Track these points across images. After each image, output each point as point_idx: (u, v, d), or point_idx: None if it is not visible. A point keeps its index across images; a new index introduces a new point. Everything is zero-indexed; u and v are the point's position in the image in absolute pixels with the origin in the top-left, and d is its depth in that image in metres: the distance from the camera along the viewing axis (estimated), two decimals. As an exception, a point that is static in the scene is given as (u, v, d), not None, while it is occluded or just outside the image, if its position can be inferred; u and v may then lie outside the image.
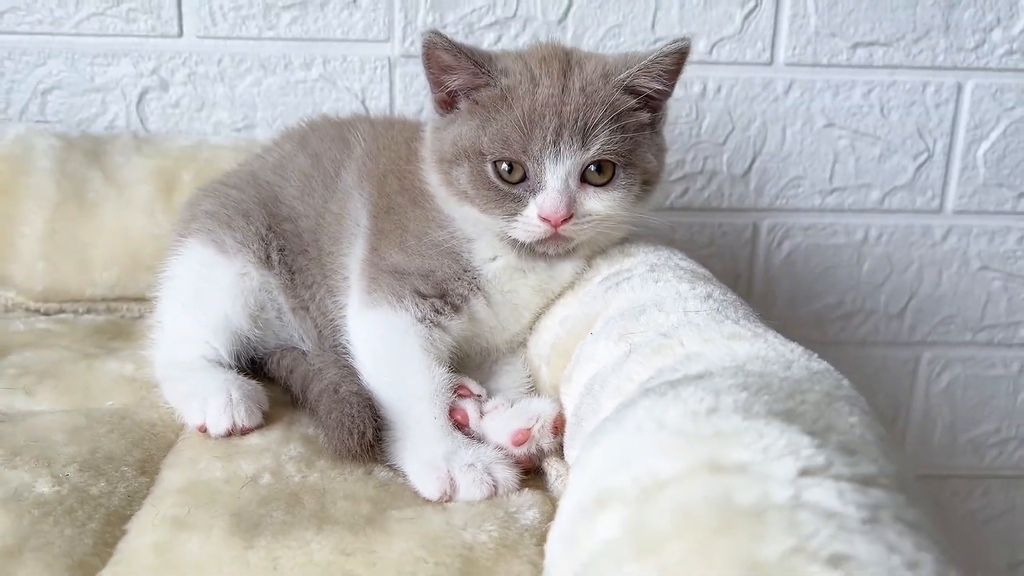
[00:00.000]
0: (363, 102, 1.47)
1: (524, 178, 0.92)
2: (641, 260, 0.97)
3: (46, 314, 1.30)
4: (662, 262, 0.95)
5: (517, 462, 0.86)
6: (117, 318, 1.30)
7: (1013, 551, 1.76)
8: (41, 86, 1.44)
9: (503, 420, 0.88)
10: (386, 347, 0.94)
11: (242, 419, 0.90)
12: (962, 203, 1.58)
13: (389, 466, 0.86)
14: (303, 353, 1.04)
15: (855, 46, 1.49)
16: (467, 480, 0.81)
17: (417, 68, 1.44)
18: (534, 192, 0.91)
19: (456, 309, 0.96)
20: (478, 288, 0.97)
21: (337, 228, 1.03)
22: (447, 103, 0.96)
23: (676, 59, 0.94)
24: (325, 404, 0.90)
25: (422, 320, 0.94)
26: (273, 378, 1.04)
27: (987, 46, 1.51)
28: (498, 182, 0.92)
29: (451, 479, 0.81)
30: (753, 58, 1.49)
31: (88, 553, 0.71)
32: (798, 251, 1.58)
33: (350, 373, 0.94)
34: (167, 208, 1.30)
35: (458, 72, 0.92)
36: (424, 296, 0.95)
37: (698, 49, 1.47)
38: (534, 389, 0.99)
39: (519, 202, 0.92)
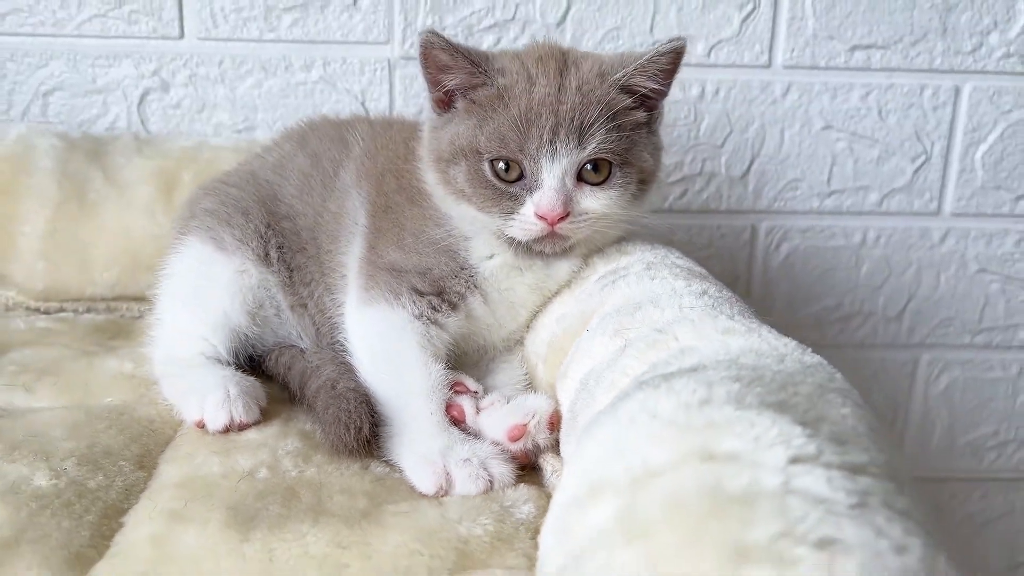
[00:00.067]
0: (363, 104, 1.48)
1: (521, 177, 0.92)
2: (638, 258, 0.97)
3: (46, 313, 1.30)
4: (659, 260, 0.96)
5: (513, 458, 0.86)
6: (117, 317, 1.30)
7: (1012, 554, 1.76)
8: (43, 87, 1.45)
9: (499, 416, 0.89)
10: (383, 344, 0.94)
11: (240, 415, 0.91)
12: (960, 205, 1.59)
13: (385, 461, 0.87)
14: (301, 350, 1.04)
15: (853, 49, 1.50)
16: (463, 475, 0.81)
17: (417, 70, 1.43)
18: (531, 191, 0.92)
19: (453, 307, 0.97)
20: (475, 286, 0.97)
21: (335, 226, 1.04)
22: (444, 103, 0.97)
23: (672, 58, 0.94)
24: (322, 400, 0.91)
25: (419, 317, 0.95)
26: (271, 375, 1.04)
27: (984, 49, 1.51)
28: (495, 181, 0.93)
29: (447, 474, 0.81)
30: (751, 60, 1.50)
31: (85, 545, 0.71)
32: (796, 253, 1.59)
33: (348, 370, 0.95)
34: (167, 209, 1.30)
35: (455, 72, 0.93)
36: (421, 293, 0.95)
37: (696, 51, 1.48)
38: (531, 386, 0.99)
39: (516, 201, 0.92)
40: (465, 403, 0.91)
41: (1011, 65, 1.52)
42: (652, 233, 1.05)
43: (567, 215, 0.91)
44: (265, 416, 0.95)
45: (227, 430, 0.91)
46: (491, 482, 0.82)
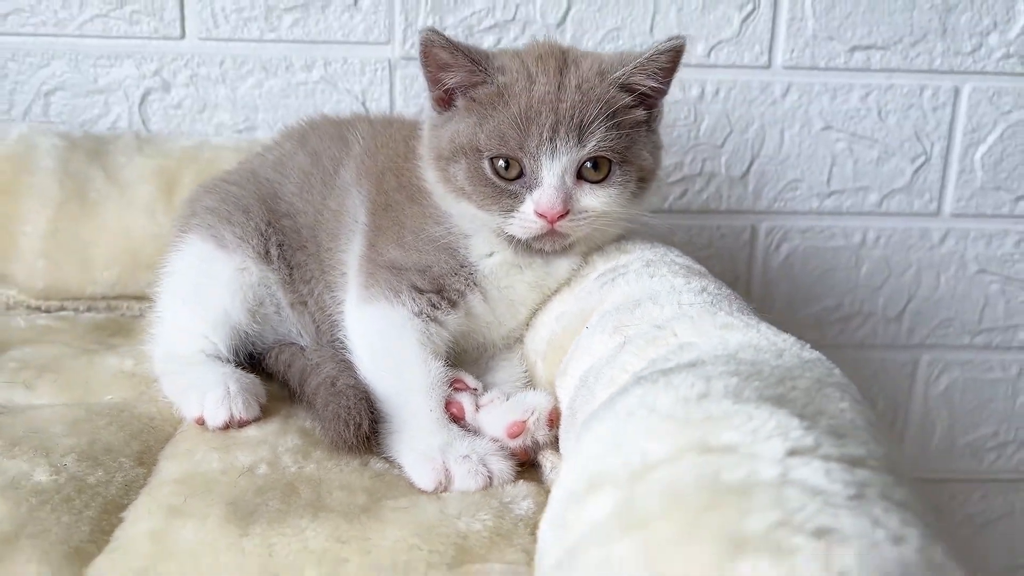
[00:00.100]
0: (364, 104, 1.48)
1: (521, 175, 0.93)
2: (637, 256, 0.97)
3: (47, 311, 1.31)
4: (658, 258, 0.96)
5: (512, 454, 0.86)
6: (117, 316, 1.31)
7: (1012, 555, 1.76)
8: (44, 87, 1.46)
9: (499, 413, 0.89)
10: (383, 341, 0.94)
11: (240, 411, 0.91)
12: (960, 206, 1.59)
13: (385, 458, 0.87)
14: (301, 348, 1.04)
15: (853, 49, 1.50)
16: (462, 471, 0.81)
17: (417, 70, 1.45)
18: (531, 188, 0.92)
19: (453, 304, 0.97)
20: (474, 283, 0.98)
21: (335, 224, 1.04)
22: (444, 101, 0.97)
23: (671, 57, 0.94)
24: (322, 397, 0.91)
25: (419, 315, 0.95)
26: (271, 373, 1.04)
27: (984, 50, 1.52)
28: (495, 179, 0.93)
29: (446, 470, 0.81)
30: (751, 61, 1.50)
31: (84, 540, 0.72)
32: (796, 253, 1.59)
33: (347, 367, 0.95)
34: (168, 208, 1.31)
35: (455, 70, 0.93)
36: (421, 291, 0.96)
37: (696, 52, 1.48)
38: (530, 384, 0.99)
39: (516, 198, 0.93)
40: (464, 400, 0.91)
41: (1011, 66, 1.52)
42: (652, 232, 1.05)
43: (567, 213, 0.92)
44: (265, 413, 0.95)
45: (227, 427, 0.91)
46: (490, 478, 0.82)
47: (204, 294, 1.02)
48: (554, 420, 0.88)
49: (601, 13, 1.46)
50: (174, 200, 1.30)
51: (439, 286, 0.96)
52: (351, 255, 1.01)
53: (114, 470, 0.82)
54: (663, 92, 0.98)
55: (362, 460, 0.86)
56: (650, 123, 0.99)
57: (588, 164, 0.92)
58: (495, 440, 0.87)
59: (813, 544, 0.41)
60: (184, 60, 1.46)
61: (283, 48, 1.46)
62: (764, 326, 0.75)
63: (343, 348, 0.97)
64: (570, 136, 0.90)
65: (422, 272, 0.96)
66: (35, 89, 1.46)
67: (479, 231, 0.97)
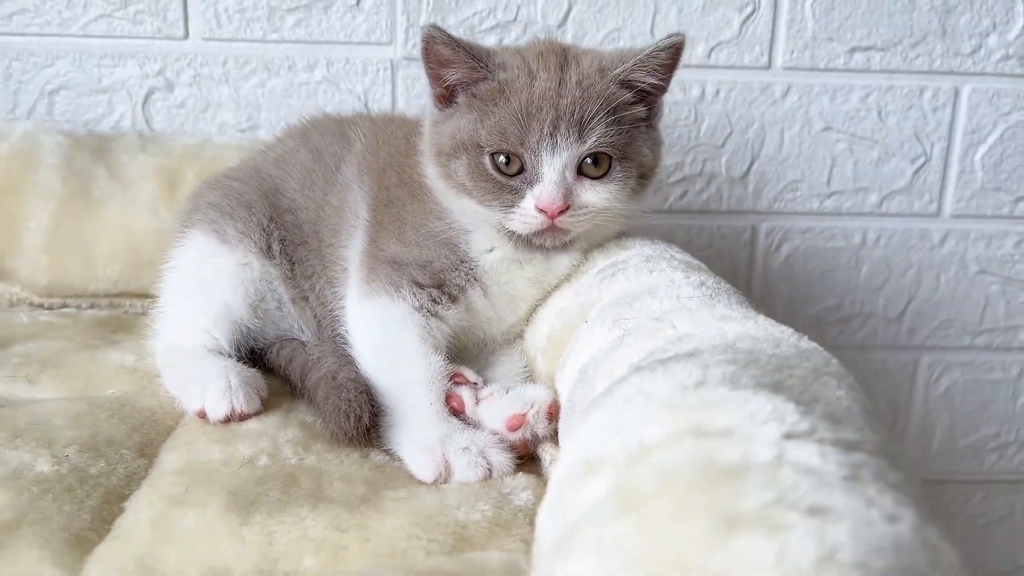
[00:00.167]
0: (366, 104, 1.49)
1: (521, 170, 0.93)
2: (637, 252, 0.98)
3: (50, 308, 1.31)
4: (657, 254, 0.97)
5: (512, 447, 0.86)
6: (120, 313, 1.31)
7: (1014, 556, 1.76)
8: (49, 87, 1.47)
9: (498, 406, 0.89)
10: (384, 336, 0.95)
11: (241, 404, 0.91)
12: (960, 207, 1.59)
13: (385, 451, 0.87)
14: (302, 343, 1.05)
15: (852, 51, 1.51)
16: (462, 463, 0.82)
17: (419, 71, 1.46)
18: (531, 184, 0.93)
19: (453, 299, 0.97)
20: (475, 279, 0.98)
21: (337, 220, 1.05)
22: (446, 98, 0.98)
23: (671, 54, 0.95)
24: (323, 390, 0.91)
25: (419, 309, 0.95)
26: (272, 368, 1.05)
27: (983, 51, 1.52)
28: (496, 174, 0.93)
29: (446, 462, 0.82)
30: (751, 62, 1.50)
31: (86, 528, 0.72)
32: (796, 254, 1.59)
33: (348, 362, 0.95)
34: (171, 206, 1.31)
35: (456, 66, 0.94)
36: (421, 286, 0.96)
37: (696, 53, 1.49)
38: (530, 379, 0.99)
39: (516, 194, 0.93)
40: (464, 394, 0.92)
41: (1010, 67, 1.53)
42: (652, 231, 1.06)
43: (567, 208, 0.92)
44: (266, 407, 0.95)
45: (228, 420, 0.91)
46: (490, 470, 0.82)
47: (206, 289, 1.02)
48: (553, 413, 0.89)
49: (602, 14, 1.47)
50: (177, 198, 1.31)
51: (440, 281, 0.97)
52: (352, 250, 1.02)
53: (116, 461, 0.83)
54: (663, 89, 0.98)
55: (362, 452, 0.86)
56: (650, 120, 1.00)
57: (588, 160, 0.93)
58: (495, 433, 0.87)
59: (807, 521, 0.41)
60: (187, 60, 1.46)
61: (286, 48, 1.47)
62: (762, 318, 0.75)
63: (344, 343, 0.98)
64: (570, 132, 0.91)
65: (423, 267, 0.97)
66: (39, 88, 1.47)
67: (480, 227, 0.98)
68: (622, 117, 0.94)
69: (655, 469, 0.50)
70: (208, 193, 1.09)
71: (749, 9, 1.48)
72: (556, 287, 1.01)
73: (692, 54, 1.49)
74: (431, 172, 0.99)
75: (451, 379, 0.93)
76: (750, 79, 1.51)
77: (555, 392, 0.91)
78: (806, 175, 1.56)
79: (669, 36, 0.94)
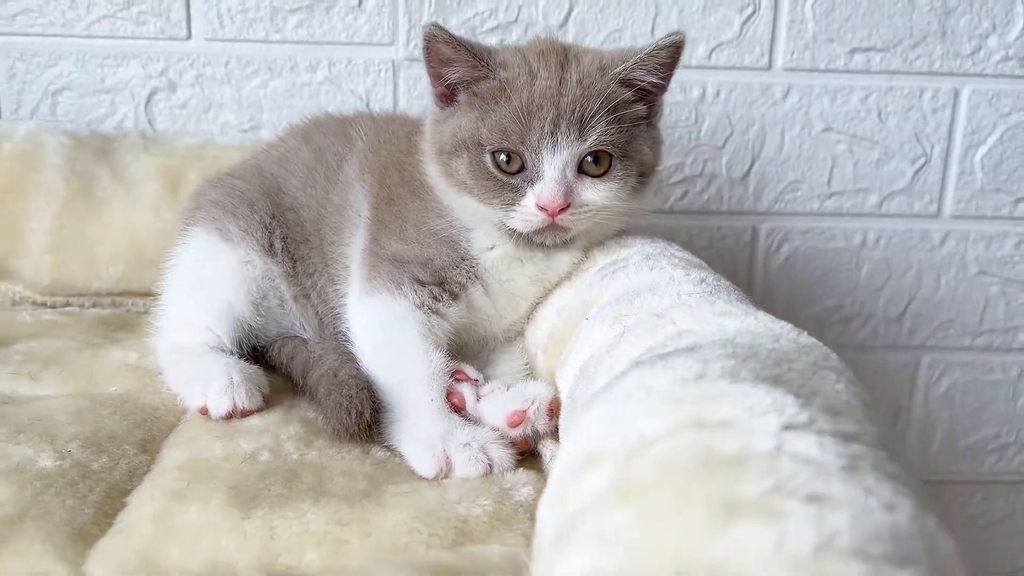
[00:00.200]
0: (367, 105, 1.50)
1: (522, 168, 0.93)
2: (637, 250, 0.98)
3: (52, 307, 1.32)
4: (658, 252, 0.97)
5: (512, 444, 0.87)
6: (122, 312, 1.32)
7: (1014, 557, 1.76)
8: (52, 87, 1.47)
9: (499, 403, 0.90)
10: (385, 333, 0.95)
11: (243, 401, 0.92)
12: (960, 208, 1.60)
13: (386, 447, 0.88)
14: (304, 341, 1.05)
15: (853, 51, 1.51)
16: (463, 459, 0.82)
17: (421, 72, 1.47)
18: (532, 182, 0.93)
19: (454, 297, 0.97)
20: (476, 276, 0.98)
21: (339, 218, 1.05)
22: (447, 96, 0.98)
23: (671, 52, 0.95)
24: (324, 387, 0.92)
25: (420, 307, 0.96)
26: (274, 366, 1.05)
27: (983, 52, 1.53)
28: (496, 172, 0.94)
29: (447, 458, 0.82)
30: (752, 63, 1.51)
31: (88, 523, 0.72)
32: (797, 254, 1.60)
33: (350, 359, 0.96)
34: (173, 206, 1.32)
35: (457, 65, 0.94)
36: (423, 283, 0.96)
37: (697, 54, 1.50)
38: (531, 376, 1.00)
39: (517, 192, 0.93)
40: (465, 390, 0.92)
41: (1010, 68, 1.53)
42: (653, 231, 1.06)
43: (568, 206, 0.92)
44: (268, 404, 0.96)
45: (230, 417, 0.91)
46: (490, 466, 0.83)
47: (208, 286, 1.03)
48: (554, 410, 0.89)
49: (603, 14, 1.47)
50: (179, 198, 1.31)
51: (441, 279, 0.97)
52: (354, 248, 1.02)
53: (118, 457, 0.83)
54: (663, 88, 0.99)
55: (364, 448, 0.87)
56: (650, 119, 1.00)
57: (589, 158, 0.93)
58: (495, 429, 0.88)
59: (805, 508, 0.42)
60: (190, 60, 1.47)
61: (288, 49, 1.48)
62: (761, 314, 0.76)
63: (346, 341, 0.98)
64: (571, 130, 0.91)
65: (424, 265, 0.97)
66: (43, 89, 1.47)
67: (480, 225, 0.98)
68: (622, 115, 0.94)
69: (655, 461, 0.50)
70: (210, 191, 1.09)
71: (750, 10, 1.48)
72: (557, 285, 1.02)
73: (693, 55, 1.49)
74: (432, 170, 0.99)
75: (452, 376, 0.93)
76: (750, 80, 1.52)
77: (556, 388, 0.91)
78: (806, 176, 1.56)
79: (669, 35, 0.94)
